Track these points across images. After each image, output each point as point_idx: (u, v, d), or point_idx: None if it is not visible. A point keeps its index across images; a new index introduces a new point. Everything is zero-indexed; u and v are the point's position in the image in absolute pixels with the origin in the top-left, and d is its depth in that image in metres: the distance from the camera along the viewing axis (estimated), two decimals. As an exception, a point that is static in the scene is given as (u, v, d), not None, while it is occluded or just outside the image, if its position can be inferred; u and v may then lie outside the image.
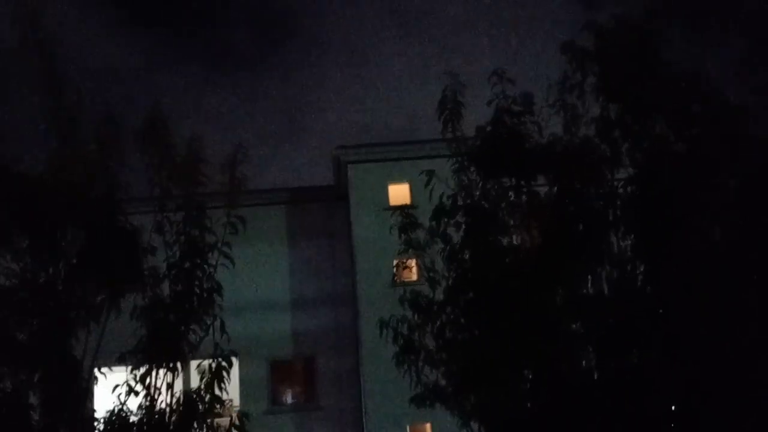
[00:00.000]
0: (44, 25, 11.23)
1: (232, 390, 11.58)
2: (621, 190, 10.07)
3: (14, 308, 10.60)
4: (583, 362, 9.95)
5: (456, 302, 9.99)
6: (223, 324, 10.56)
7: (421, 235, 10.40)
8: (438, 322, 10.12)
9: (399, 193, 22.81)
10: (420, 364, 10.21)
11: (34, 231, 10.74)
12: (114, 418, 10.40)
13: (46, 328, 10.52)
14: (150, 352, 10.47)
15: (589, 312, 9.88)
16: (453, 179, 10.40)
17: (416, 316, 10.24)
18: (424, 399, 10.29)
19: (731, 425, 9.23)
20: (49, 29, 11.27)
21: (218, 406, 10.59)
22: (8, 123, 11.60)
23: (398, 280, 11.17)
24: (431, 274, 10.27)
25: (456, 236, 10.18)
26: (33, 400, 10.50)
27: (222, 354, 10.53)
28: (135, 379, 10.47)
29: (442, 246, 10.15)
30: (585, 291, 10.08)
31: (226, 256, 10.89)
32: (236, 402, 21.30)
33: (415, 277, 12.12)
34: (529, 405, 9.94)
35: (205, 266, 10.81)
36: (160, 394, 10.49)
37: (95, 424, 10.66)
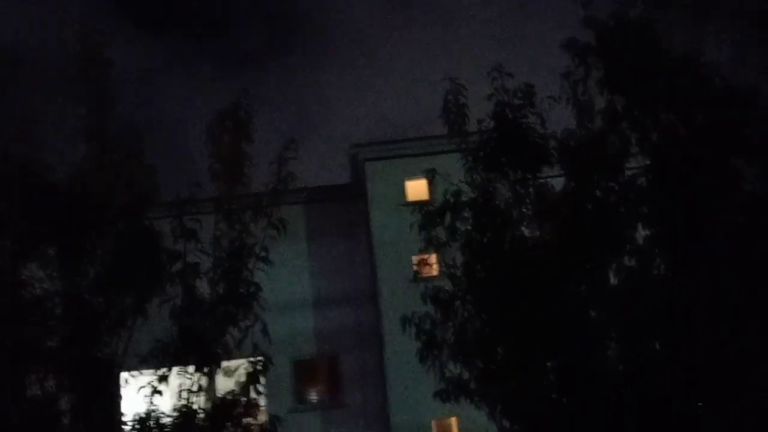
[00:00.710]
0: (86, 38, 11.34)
1: (264, 393, 11.63)
2: (634, 181, 10.08)
3: (43, 315, 10.74)
4: (607, 353, 9.97)
5: (476, 296, 10.03)
6: (265, 326, 10.49)
7: (441, 230, 10.44)
8: (459, 317, 10.16)
9: (417, 189, 22.83)
10: (443, 359, 10.25)
11: (63, 239, 10.88)
12: (146, 420, 10.44)
13: (75, 334, 10.64)
14: (182, 354, 10.47)
15: (610, 302, 9.90)
16: (465, 177, 10.44)
17: (438, 312, 10.29)
18: (449, 393, 10.32)
19: (755, 417, 9.23)
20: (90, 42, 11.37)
21: (254, 409, 10.59)
22: (37, 132, 11.74)
23: (421, 276, 11.18)
24: (452, 270, 10.32)
25: (468, 230, 10.23)
26: (63, 405, 10.63)
27: (260, 355, 10.49)
28: (158, 379, 10.46)
29: (461, 241, 10.19)
30: (606, 282, 10.09)
31: (266, 260, 10.79)
32: (261, 401, 21.40)
33: (436, 272, 12.16)
34: (553, 397, 9.97)
35: (245, 269, 10.74)
36: (196, 396, 10.47)
37: (125, 427, 10.72)
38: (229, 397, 10.57)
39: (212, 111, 11.60)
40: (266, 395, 21.94)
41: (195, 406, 10.48)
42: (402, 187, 23.33)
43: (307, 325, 23.62)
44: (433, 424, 22.06)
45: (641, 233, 10.07)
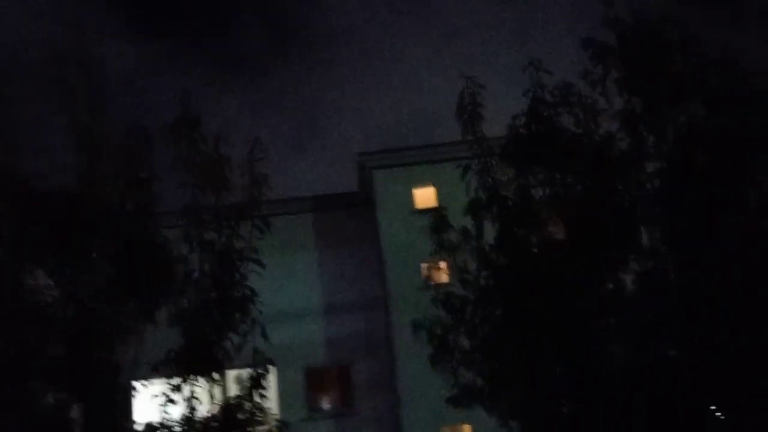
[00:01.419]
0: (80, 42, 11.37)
1: (269, 398, 11.64)
2: (648, 185, 9.99)
3: (51, 325, 10.75)
4: (617, 357, 9.91)
5: (488, 301, 9.97)
6: (264, 329, 10.47)
7: (452, 235, 10.37)
8: (471, 322, 10.12)
9: (424, 196, 22.84)
10: (455, 364, 10.21)
11: (68, 247, 10.89)
12: (157, 429, 10.46)
13: (84, 343, 10.64)
14: (186, 362, 10.51)
15: (622, 306, 9.84)
16: (477, 180, 10.34)
17: (449, 317, 10.25)
18: (461, 399, 10.27)
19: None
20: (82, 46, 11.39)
21: (259, 414, 10.61)
22: (37, 139, 11.76)
23: (430, 282, 11.13)
24: (464, 275, 10.26)
25: (487, 233, 10.13)
26: (74, 414, 10.62)
27: (261, 361, 10.52)
28: (172, 389, 10.50)
29: (474, 245, 10.10)
30: (617, 285, 10.03)
31: (256, 261, 10.79)
32: (274, 410, 21.40)
33: (446, 278, 12.12)
34: (565, 402, 9.92)
35: (236, 273, 10.79)
36: (200, 403, 10.54)
37: (137, 436, 10.74)
38: (233, 402, 10.55)
39: (213, 116, 11.56)
40: (279, 402, 22.15)
41: (201, 414, 10.50)
42: (410, 195, 23.36)
43: (318, 334, 23.65)
44: (446, 431, 21.99)
45: (655, 235, 10.00)
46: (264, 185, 11.05)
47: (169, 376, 10.56)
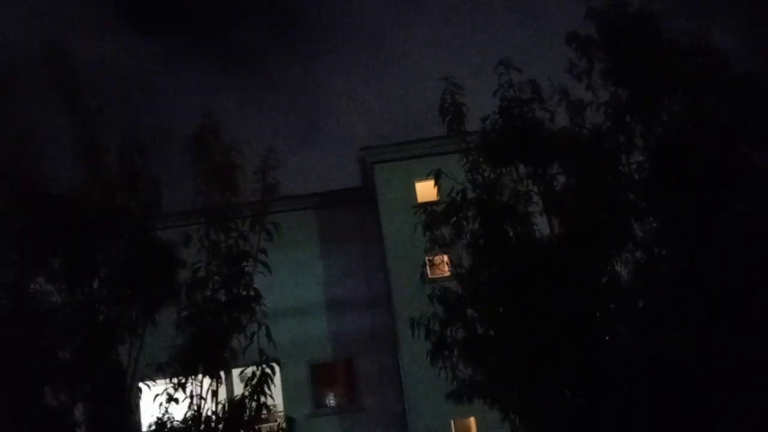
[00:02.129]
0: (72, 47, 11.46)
1: (275, 395, 11.71)
2: (636, 176, 10.04)
3: (55, 327, 10.82)
4: (619, 349, 9.93)
5: (482, 296, 10.02)
6: (269, 331, 10.57)
7: (447, 230, 10.42)
8: (468, 317, 10.15)
9: (426, 190, 22.77)
10: (454, 359, 10.24)
11: (70, 251, 10.96)
12: (161, 429, 10.53)
13: (87, 345, 10.72)
14: (192, 361, 10.58)
15: (620, 297, 9.87)
16: (466, 176, 10.43)
17: (446, 313, 10.28)
18: (461, 394, 10.31)
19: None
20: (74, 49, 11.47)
21: (264, 412, 10.68)
22: (39, 143, 11.82)
23: (428, 277, 11.18)
24: (459, 270, 10.31)
25: (473, 229, 10.20)
26: (78, 416, 10.70)
27: (265, 361, 10.59)
28: (175, 387, 10.58)
29: (466, 240, 10.17)
30: (615, 276, 10.06)
31: (263, 263, 10.91)
32: (280, 407, 21.49)
33: (446, 273, 12.16)
34: (568, 394, 9.94)
35: (244, 274, 10.87)
36: (204, 402, 10.60)
37: (142, 435, 10.83)
38: (238, 401, 10.62)
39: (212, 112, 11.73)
40: (284, 399, 22.23)
41: (207, 413, 10.58)
42: (412, 189, 23.34)
43: (323, 329, 23.69)
44: (452, 424, 22.03)
45: (647, 226, 10.03)
46: (275, 192, 11.31)
47: (174, 376, 10.64)
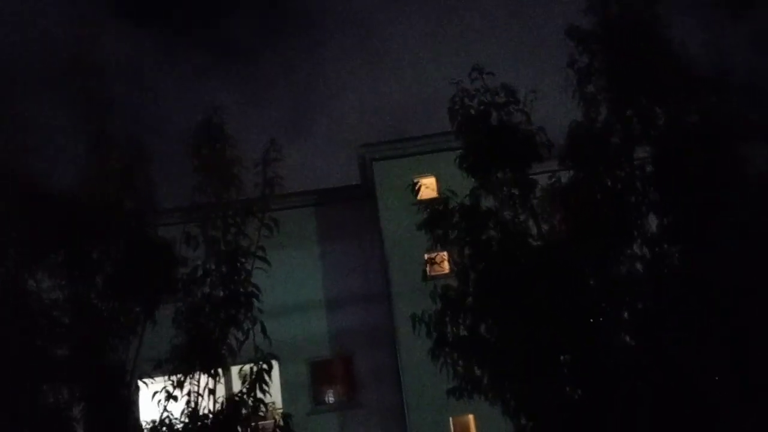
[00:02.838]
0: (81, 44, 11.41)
1: (274, 393, 11.68)
2: (638, 172, 10.03)
3: (53, 324, 10.80)
4: (619, 346, 9.92)
5: (479, 294, 10.00)
6: (264, 327, 10.54)
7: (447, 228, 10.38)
8: (469, 314, 10.13)
9: (426, 187, 22.75)
10: (455, 356, 10.23)
11: (70, 248, 10.93)
12: (159, 426, 10.51)
13: (86, 342, 10.69)
14: (189, 359, 10.56)
15: (622, 293, 9.85)
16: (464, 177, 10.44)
17: (447, 310, 10.26)
18: (462, 391, 10.30)
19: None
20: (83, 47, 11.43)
21: (262, 409, 10.66)
22: (39, 140, 11.79)
23: (430, 275, 11.17)
24: (460, 267, 10.28)
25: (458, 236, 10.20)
26: (76, 413, 10.67)
27: (262, 357, 10.58)
28: (173, 385, 10.55)
29: (468, 239, 10.14)
30: (617, 272, 10.04)
31: (263, 259, 10.86)
32: (279, 405, 21.46)
33: (447, 270, 12.13)
34: (567, 390, 9.94)
35: (242, 271, 10.84)
36: (202, 399, 10.58)
37: (141, 432, 10.79)
38: (236, 398, 10.60)
39: (203, 106, 11.68)
40: (283, 396, 22.20)
41: (204, 410, 10.55)
42: (411, 186, 23.25)
43: (322, 327, 23.67)
44: (450, 421, 22.02)
45: (652, 222, 10.01)
46: (276, 186, 11.16)
47: (172, 374, 10.61)
